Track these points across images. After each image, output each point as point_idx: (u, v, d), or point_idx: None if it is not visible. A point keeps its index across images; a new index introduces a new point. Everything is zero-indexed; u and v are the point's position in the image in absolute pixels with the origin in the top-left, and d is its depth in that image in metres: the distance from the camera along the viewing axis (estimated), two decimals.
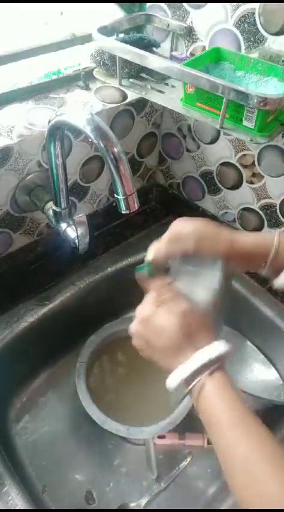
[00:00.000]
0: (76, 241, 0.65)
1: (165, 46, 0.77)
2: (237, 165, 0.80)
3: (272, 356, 0.82)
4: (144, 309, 0.48)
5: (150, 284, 0.51)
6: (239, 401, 0.42)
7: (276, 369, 0.78)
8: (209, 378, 0.42)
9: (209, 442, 0.73)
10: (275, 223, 0.81)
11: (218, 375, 0.43)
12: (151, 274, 0.52)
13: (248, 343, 0.86)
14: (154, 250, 0.53)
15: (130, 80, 0.73)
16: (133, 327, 0.49)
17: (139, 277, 0.53)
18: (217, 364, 0.43)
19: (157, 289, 0.50)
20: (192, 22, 0.71)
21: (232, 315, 0.84)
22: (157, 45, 0.76)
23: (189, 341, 0.44)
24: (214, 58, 0.66)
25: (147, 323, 0.47)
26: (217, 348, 0.43)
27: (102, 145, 0.50)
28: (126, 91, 0.78)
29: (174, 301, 0.47)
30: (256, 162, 0.76)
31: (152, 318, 0.47)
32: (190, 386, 0.43)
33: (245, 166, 0.79)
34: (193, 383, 0.43)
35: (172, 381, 0.44)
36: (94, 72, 0.76)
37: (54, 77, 0.77)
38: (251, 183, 0.80)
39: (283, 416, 0.74)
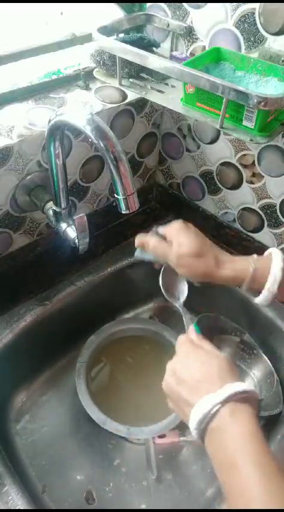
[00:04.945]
0: (76, 241, 0.65)
1: (165, 46, 0.77)
2: (237, 165, 0.80)
3: (272, 356, 0.82)
4: (183, 346, 0.53)
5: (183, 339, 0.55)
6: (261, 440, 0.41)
7: (275, 368, 0.78)
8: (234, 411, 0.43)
9: None
10: (275, 223, 0.81)
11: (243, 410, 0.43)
12: (199, 332, 0.56)
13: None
14: (141, 240, 0.62)
15: (130, 80, 0.73)
16: (170, 363, 0.52)
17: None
18: (243, 397, 0.43)
19: (196, 340, 0.54)
20: (192, 22, 0.71)
21: (232, 315, 0.84)
22: (157, 45, 0.76)
23: (220, 380, 0.46)
24: (214, 58, 0.67)
25: (187, 355, 0.51)
26: (245, 385, 0.45)
27: (102, 145, 0.50)
28: (126, 91, 0.78)
29: (213, 349, 0.52)
30: (256, 162, 0.76)
31: (193, 351, 0.51)
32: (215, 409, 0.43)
33: (245, 166, 0.79)
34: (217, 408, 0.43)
35: (200, 408, 0.44)
36: (94, 72, 0.76)
37: (54, 76, 0.77)
38: (251, 183, 0.80)
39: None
